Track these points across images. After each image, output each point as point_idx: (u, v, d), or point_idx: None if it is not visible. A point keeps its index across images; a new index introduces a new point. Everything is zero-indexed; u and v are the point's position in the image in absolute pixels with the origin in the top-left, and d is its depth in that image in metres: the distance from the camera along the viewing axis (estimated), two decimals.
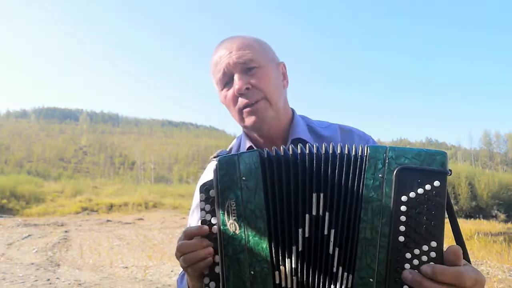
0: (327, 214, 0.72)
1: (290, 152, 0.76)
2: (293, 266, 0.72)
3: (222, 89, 1.04)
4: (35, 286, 5.79)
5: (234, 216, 0.74)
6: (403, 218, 0.67)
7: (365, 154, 0.72)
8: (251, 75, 1.00)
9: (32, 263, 7.64)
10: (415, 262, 0.66)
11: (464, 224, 19.56)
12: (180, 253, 0.77)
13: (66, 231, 13.56)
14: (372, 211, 0.68)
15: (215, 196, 0.76)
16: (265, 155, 0.76)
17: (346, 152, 0.74)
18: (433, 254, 0.65)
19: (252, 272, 0.72)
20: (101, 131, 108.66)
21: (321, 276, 0.72)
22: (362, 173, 0.71)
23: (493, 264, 7.79)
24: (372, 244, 0.68)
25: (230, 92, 1.01)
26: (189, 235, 0.78)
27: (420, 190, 0.67)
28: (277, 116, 1.03)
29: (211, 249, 0.75)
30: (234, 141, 1.17)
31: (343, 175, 0.72)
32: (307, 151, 0.76)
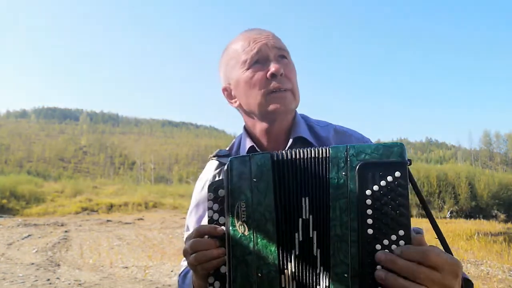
0: (311, 217, 0.73)
1: (293, 154, 0.76)
2: (293, 270, 0.73)
3: (248, 68, 1.00)
4: (35, 286, 5.79)
5: (243, 217, 0.74)
6: (369, 211, 0.68)
7: (327, 155, 0.73)
8: (283, 64, 1.00)
9: (32, 263, 7.64)
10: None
11: (464, 224, 19.61)
12: (193, 250, 0.76)
13: (66, 231, 13.56)
14: (340, 209, 0.70)
15: (225, 197, 0.76)
16: (275, 157, 0.76)
17: (317, 154, 0.75)
18: (402, 243, 0.67)
19: (259, 275, 0.72)
20: (101, 131, 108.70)
21: (311, 278, 0.73)
22: (328, 173, 0.72)
23: (493, 264, 7.82)
24: (344, 240, 0.69)
25: (261, 73, 0.98)
26: (201, 233, 0.77)
27: (382, 183, 0.68)
28: (294, 111, 1.05)
29: (224, 249, 0.75)
30: (234, 140, 1.15)
31: (317, 177, 0.74)
32: (302, 154, 0.76)
